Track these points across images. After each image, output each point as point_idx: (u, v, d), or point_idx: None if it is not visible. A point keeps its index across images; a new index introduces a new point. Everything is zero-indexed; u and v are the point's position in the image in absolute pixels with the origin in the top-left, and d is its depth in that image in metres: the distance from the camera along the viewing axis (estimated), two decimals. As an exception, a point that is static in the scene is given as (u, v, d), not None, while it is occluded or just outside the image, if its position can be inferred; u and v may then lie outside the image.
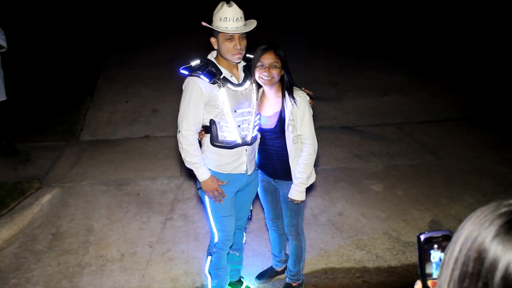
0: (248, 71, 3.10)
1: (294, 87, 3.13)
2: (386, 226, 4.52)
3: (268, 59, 2.99)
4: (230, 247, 3.44)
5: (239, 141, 3.06)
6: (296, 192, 3.22)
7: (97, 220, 4.65)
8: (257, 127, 3.17)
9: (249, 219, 3.58)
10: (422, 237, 1.01)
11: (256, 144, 3.27)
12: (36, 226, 4.54)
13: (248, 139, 3.10)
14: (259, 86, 3.14)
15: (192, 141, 2.96)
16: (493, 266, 0.77)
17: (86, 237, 4.38)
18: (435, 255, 1.00)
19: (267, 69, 2.99)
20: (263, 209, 3.67)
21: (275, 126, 3.15)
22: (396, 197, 5.02)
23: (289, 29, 12.20)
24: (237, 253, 3.60)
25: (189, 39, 10.07)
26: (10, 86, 5.78)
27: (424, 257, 1.01)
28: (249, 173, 3.21)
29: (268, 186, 3.47)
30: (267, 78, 3.00)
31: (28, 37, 10.66)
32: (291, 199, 3.26)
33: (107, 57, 10.17)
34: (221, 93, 2.92)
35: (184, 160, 3.03)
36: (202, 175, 3.04)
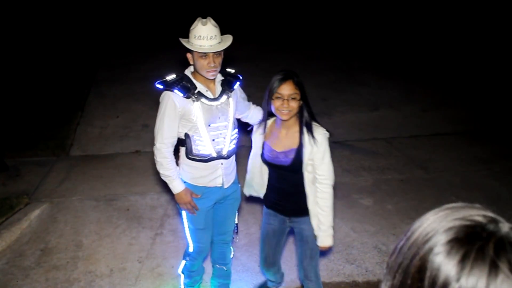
0: (227, 85, 3.13)
1: (314, 123, 2.96)
2: (376, 240, 4.52)
3: (286, 90, 2.83)
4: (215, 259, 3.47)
5: (214, 154, 3.11)
6: (327, 237, 3.08)
7: (87, 235, 4.62)
8: (234, 141, 3.21)
9: (236, 232, 3.58)
10: None
11: (232, 160, 3.28)
12: (24, 242, 4.51)
13: (224, 153, 3.14)
14: (270, 114, 3.04)
15: (166, 154, 3.02)
16: (434, 278, 0.79)
17: (75, 252, 4.35)
18: None
19: (286, 101, 2.82)
20: (260, 251, 3.48)
21: (291, 163, 2.98)
22: (385, 211, 5.03)
23: (278, 44, 12.27)
24: (224, 268, 3.60)
25: (180, 54, 10.04)
26: None
27: None
28: (225, 187, 3.24)
29: (279, 227, 3.26)
30: (286, 111, 2.84)
31: (19, 52, 10.65)
32: (324, 246, 3.10)
33: (98, 72, 10.16)
34: (195, 108, 2.97)
35: (159, 173, 3.09)
36: (176, 188, 3.10)
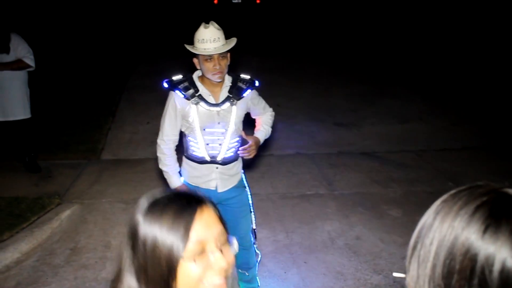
0: (235, 92, 3.13)
1: None
2: (404, 251, 4.41)
3: None
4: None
5: (208, 158, 3.15)
6: None
7: (115, 236, 4.67)
8: (233, 149, 3.21)
9: (254, 238, 3.56)
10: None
11: (231, 166, 3.25)
12: (55, 241, 4.59)
13: (219, 158, 3.17)
14: None
15: (164, 151, 3.14)
16: (489, 263, 0.76)
17: (103, 253, 4.40)
18: None
19: None
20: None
21: None
22: (414, 223, 4.88)
23: (308, 56, 12.30)
24: (246, 273, 3.59)
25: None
26: (34, 105, 5.91)
27: None
28: (219, 191, 3.24)
29: None
30: None
31: (54, 58, 10.89)
32: None
33: (129, 79, 10.34)
34: (193, 110, 3.03)
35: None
36: (172, 183, 3.22)
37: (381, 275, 4.13)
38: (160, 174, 5.98)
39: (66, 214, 5.03)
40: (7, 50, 5.47)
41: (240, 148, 3.23)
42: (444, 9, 16.25)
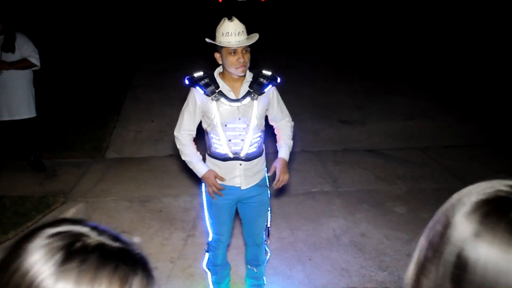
0: (256, 87, 3.12)
1: None
2: (409, 248, 4.42)
3: None
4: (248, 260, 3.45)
5: (231, 155, 3.14)
6: None
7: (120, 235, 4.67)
8: (256, 145, 3.18)
9: (267, 236, 3.57)
10: None
11: (255, 162, 3.23)
12: (60, 239, 4.59)
13: (242, 154, 3.15)
14: None
15: (182, 141, 3.20)
16: (450, 236, 0.79)
17: (108, 251, 4.40)
18: None
19: None
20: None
21: None
22: (420, 219, 4.94)
23: (313, 53, 12.28)
24: (255, 269, 3.60)
25: (216, 61, 10.15)
26: (39, 104, 5.93)
27: None
28: (243, 188, 3.22)
29: None
30: None
31: (59, 57, 10.91)
32: None
33: (134, 78, 10.34)
34: (213, 106, 3.03)
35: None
36: (199, 171, 3.22)
37: (386, 272, 4.12)
38: (165, 172, 6.01)
39: (71, 212, 5.04)
40: (12, 49, 5.48)
41: (274, 185, 3.25)
42: (450, 6, 16.18)
